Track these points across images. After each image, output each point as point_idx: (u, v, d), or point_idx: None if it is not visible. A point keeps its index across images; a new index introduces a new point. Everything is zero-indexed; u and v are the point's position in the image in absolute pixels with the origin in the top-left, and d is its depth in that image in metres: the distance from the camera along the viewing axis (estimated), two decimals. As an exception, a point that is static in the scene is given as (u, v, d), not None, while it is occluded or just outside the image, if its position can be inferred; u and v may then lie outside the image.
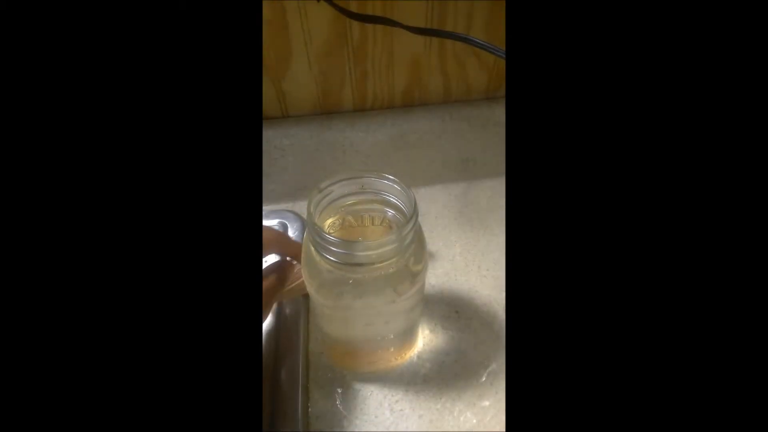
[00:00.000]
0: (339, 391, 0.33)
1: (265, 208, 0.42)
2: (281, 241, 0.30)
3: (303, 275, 0.26)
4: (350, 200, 0.27)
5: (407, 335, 0.31)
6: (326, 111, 0.46)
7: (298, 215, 0.42)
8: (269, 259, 0.30)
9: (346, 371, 0.33)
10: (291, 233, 0.40)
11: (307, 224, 0.23)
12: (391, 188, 0.26)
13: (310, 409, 0.32)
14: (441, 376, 0.33)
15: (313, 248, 0.24)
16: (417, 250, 0.25)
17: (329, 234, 0.26)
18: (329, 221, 0.27)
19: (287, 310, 0.36)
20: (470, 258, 0.42)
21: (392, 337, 0.29)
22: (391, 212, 0.27)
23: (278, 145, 0.45)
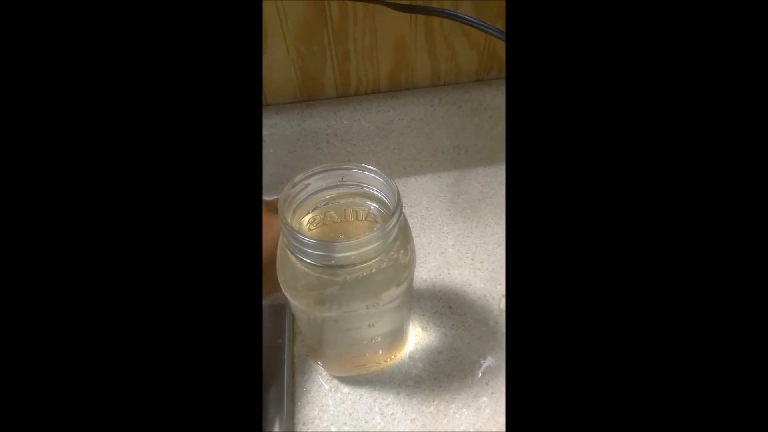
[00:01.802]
0: (326, 395, 0.31)
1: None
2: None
3: (279, 279, 0.24)
4: (330, 194, 0.25)
5: (396, 336, 0.29)
6: (307, 98, 0.43)
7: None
8: None
9: (333, 375, 0.32)
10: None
11: (280, 223, 0.21)
12: (372, 180, 0.24)
13: (296, 415, 0.30)
14: (434, 377, 0.32)
15: (288, 250, 0.22)
16: (403, 247, 0.23)
17: (307, 232, 0.23)
18: (308, 217, 0.25)
19: (271, 312, 0.34)
20: (463, 250, 0.40)
21: (379, 339, 0.27)
22: (374, 206, 0.25)
23: (258, 136, 0.42)
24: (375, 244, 0.21)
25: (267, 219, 0.28)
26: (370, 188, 0.24)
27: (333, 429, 0.29)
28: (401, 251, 0.23)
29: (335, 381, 0.31)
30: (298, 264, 0.22)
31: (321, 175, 0.23)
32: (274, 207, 0.29)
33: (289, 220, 0.22)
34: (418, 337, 0.34)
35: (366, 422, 0.30)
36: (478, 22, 0.30)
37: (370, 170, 0.23)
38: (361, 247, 0.21)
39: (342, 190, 0.25)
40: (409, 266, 0.24)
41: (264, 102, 0.43)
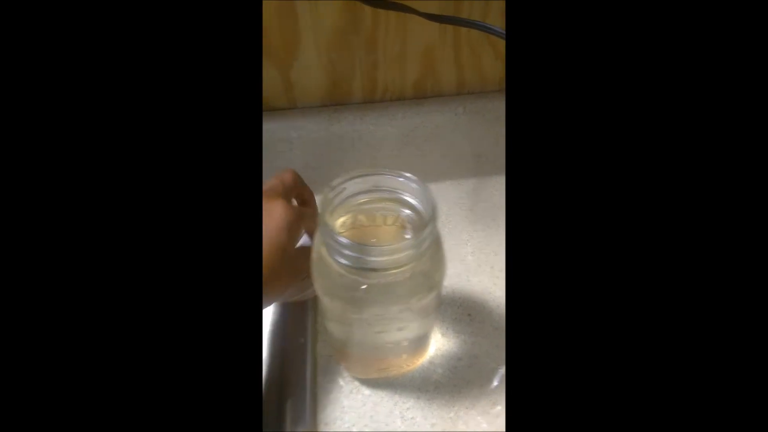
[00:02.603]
0: (348, 396, 0.31)
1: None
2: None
3: (312, 277, 0.25)
4: (362, 198, 0.25)
5: (421, 341, 0.29)
6: (335, 102, 0.44)
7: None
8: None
9: (355, 376, 0.32)
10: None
11: (319, 224, 0.22)
12: (407, 186, 0.24)
13: (318, 415, 0.30)
14: (453, 382, 0.32)
15: (324, 250, 0.22)
16: (434, 255, 0.24)
17: (342, 235, 0.24)
18: (340, 220, 0.25)
19: (293, 310, 0.35)
20: (483, 258, 0.41)
21: (406, 344, 0.27)
22: (405, 211, 0.26)
23: (285, 138, 0.43)
24: (408, 252, 0.21)
25: (267, 205, 0.26)
26: (404, 195, 0.25)
27: (354, 430, 0.30)
28: (429, 263, 0.24)
29: (356, 383, 0.32)
30: (334, 265, 0.22)
31: (357, 180, 0.24)
32: (274, 193, 0.28)
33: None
34: (438, 343, 0.34)
35: (387, 425, 0.30)
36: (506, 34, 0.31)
37: (405, 177, 0.24)
38: (395, 254, 0.21)
39: (375, 195, 0.25)
40: (440, 276, 0.25)
41: (292, 105, 0.44)
